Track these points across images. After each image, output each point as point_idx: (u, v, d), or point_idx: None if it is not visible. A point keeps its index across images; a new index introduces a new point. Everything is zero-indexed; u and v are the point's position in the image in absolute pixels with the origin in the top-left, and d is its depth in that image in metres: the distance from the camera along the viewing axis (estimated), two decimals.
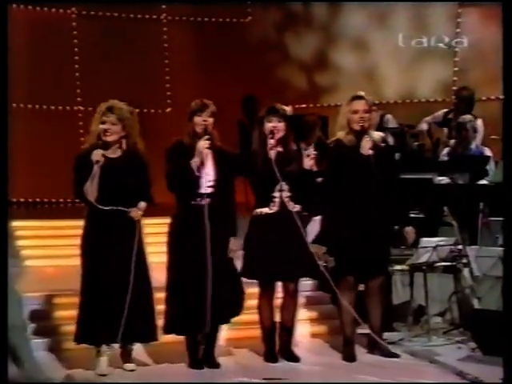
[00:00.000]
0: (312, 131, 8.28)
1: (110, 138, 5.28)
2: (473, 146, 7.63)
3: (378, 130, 6.25)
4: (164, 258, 5.50)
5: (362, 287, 5.82)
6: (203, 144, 5.31)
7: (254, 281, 5.60)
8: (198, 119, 5.41)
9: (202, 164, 5.33)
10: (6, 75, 4.76)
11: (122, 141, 5.33)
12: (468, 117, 7.79)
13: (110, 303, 5.18)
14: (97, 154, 5.21)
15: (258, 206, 5.59)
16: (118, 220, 5.25)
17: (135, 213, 5.29)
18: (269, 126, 5.53)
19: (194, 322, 5.34)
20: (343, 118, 5.68)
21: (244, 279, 5.54)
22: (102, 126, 5.27)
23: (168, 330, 5.44)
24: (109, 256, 5.23)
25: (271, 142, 5.49)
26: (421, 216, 7.05)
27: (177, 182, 5.36)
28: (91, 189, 5.20)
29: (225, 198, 5.40)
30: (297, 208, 5.56)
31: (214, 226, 5.35)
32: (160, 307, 5.47)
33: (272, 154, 5.49)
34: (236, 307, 5.43)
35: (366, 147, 5.55)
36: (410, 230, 5.76)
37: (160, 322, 5.48)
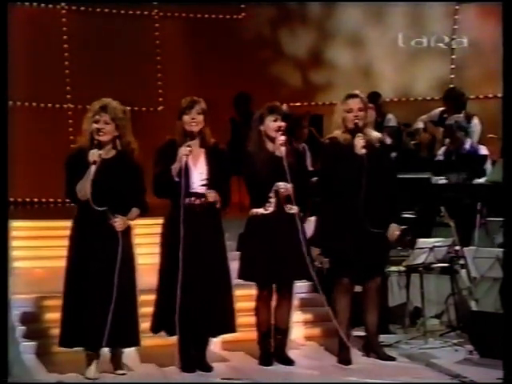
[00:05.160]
0: (300, 126, 8.19)
1: (103, 138, 5.19)
2: (467, 145, 7.58)
3: (378, 129, 6.19)
4: (156, 260, 5.43)
5: (359, 289, 5.75)
6: (183, 151, 5.25)
7: (251, 282, 5.55)
8: (186, 118, 5.34)
9: (185, 169, 5.24)
10: (6, 75, 4.70)
11: (115, 141, 5.24)
12: (459, 117, 7.77)
13: (92, 307, 5.10)
14: (94, 154, 5.12)
15: (254, 206, 5.52)
16: (105, 222, 5.14)
17: (119, 222, 5.15)
18: (275, 125, 5.46)
19: (185, 323, 5.25)
20: (338, 116, 5.63)
21: (240, 281, 5.51)
22: (95, 125, 5.19)
23: (155, 329, 5.37)
24: (94, 259, 5.14)
25: (281, 138, 5.40)
26: (417, 216, 7.00)
27: (159, 187, 5.32)
28: (84, 189, 5.11)
29: (220, 197, 5.32)
30: (294, 209, 5.48)
31: (208, 225, 5.28)
32: (151, 309, 5.40)
33: (282, 151, 5.39)
34: (227, 322, 5.36)
35: (358, 146, 5.49)
36: (392, 228, 5.59)
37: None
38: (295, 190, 5.42)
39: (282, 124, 5.47)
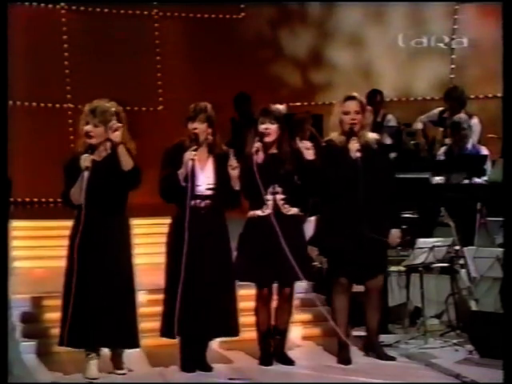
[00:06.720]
0: (302, 128, 8.20)
1: (92, 141, 5.20)
2: (469, 145, 7.58)
3: (378, 129, 6.18)
4: (155, 260, 5.43)
5: (359, 288, 5.75)
6: (188, 155, 5.25)
7: (251, 283, 5.54)
8: (190, 126, 5.35)
9: (191, 173, 5.24)
10: (6, 75, 4.70)
11: (106, 143, 5.22)
12: (463, 116, 7.76)
13: (91, 307, 5.10)
14: (86, 160, 5.13)
15: (251, 208, 5.52)
16: (102, 223, 5.14)
17: None
18: (261, 127, 5.47)
19: (187, 325, 5.25)
20: (335, 117, 5.64)
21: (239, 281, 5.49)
22: (85, 128, 5.21)
23: (164, 333, 5.37)
24: (93, 258, 5.14)
25: (256, 145, 5.41)
26: (417, 216, 6.99)
27: (165, 191, 5.33)
28: (76, 194, 5.13)
29: (225, 201, 5.35)
30: (293, 211, 5.49)
31: (213, 227, 5.30)
32: (151, 309, 5.39)
33: (258, 158, 5.40)
34: (230, 324, 5.36)
35: (353, 150, 5.49)
36: (394, 233, 5.63)
37: (151, 324, 5.43)
38: (292, 192, 5.43)
39: (270, 127, 5.45)
